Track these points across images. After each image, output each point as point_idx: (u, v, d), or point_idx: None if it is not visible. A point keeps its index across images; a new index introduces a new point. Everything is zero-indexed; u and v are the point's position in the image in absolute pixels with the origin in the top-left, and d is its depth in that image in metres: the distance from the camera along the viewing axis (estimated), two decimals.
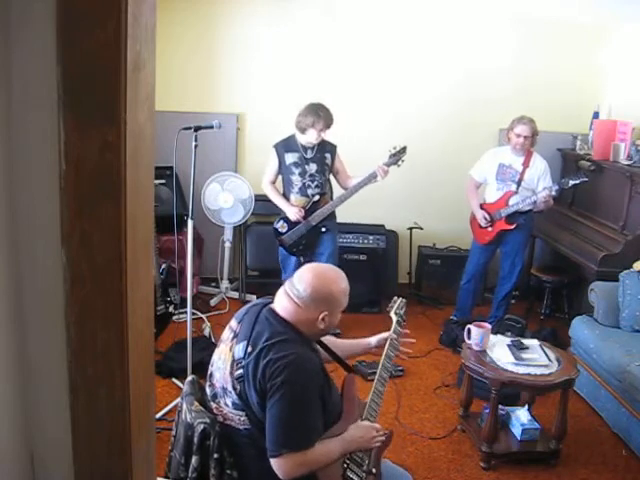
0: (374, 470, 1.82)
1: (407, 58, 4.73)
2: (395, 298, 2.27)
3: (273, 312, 1.78)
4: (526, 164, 3.96)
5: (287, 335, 1.71)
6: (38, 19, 0.81)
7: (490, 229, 4.10)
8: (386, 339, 2.07)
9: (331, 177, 4.03)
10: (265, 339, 1.68)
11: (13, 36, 0.81)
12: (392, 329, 2.10)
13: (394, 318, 2.16)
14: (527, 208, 3.96)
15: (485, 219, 4.06)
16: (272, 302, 1.82)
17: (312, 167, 3.83)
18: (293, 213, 3.82)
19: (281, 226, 3.91)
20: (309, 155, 3.83)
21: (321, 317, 1.74)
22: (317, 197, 3.85)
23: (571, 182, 3.85)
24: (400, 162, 3.83)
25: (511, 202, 3.99)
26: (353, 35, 4.66)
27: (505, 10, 4.64)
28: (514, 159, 3.99)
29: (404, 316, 2.20)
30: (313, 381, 1.67)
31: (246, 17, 4.59)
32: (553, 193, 3.87)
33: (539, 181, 3.96)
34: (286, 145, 3.86)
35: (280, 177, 3.95)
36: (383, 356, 2.01)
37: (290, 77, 4.67)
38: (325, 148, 3.87)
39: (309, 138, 3.76)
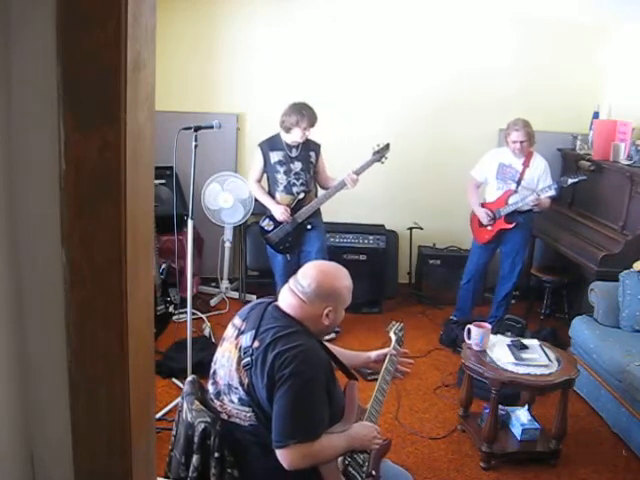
0: (374, 472, 1.83)
1: (406, 58, 4.73)
2: (394, 322, 2.34)
3: (279, 309, 1.80)
4: (526, 164, 3.97)
5: (294, 328, 1.73)
6: (38, 19, 0.81)
7: (490, 228, 4.11)
8: (385, 354, 2.11)
9: None
10: (273, 333, 1.70)
11: (13, 36, 0.81)
12: (392, 346, 2.15)
13: (393, 337, 2.21)
14: (526, 208, 3.97)
15: (488, 215, 4.07)
16: (276, 300, 1.85)
17: (297, 165, 3.85)
18: (280, 213, 3.84)
19: (267, 224, 3.92)
20: (294, 154, 3.85)
21: (325, 312, 1.77)
22: (302, 195, 3.87)
23: (570, 180, 3.87)
24: (384, 159, 3.84)
25: (511, 201, 3.99)
26: (353, 35, 4.66)
27: (505, 10, 4.64)
28: (514, 159, 4.00)
29: (402, 338, 2.26)
30: (320, 373, 1.69)
31: (246, 17, 4.59)
32: (552, 193, 3.88)
33: (539, 181, 3.97)
34: (271, 144, 3.88)
35: (266, 176, 3.97)
36: (382, 370, 2.06)
37: (290, 77, 4.67)
38: (310, 147, 3.90)
39: (294, 137, 3.78)
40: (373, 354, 2.15)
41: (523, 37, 4.76)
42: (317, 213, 3.98)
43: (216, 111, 4.55)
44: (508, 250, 4.16)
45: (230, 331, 1.85)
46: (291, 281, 1.84)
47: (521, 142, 3.89)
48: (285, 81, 4.66)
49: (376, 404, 1.95)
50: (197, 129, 2.91)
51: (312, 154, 3.91)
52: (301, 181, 3.87)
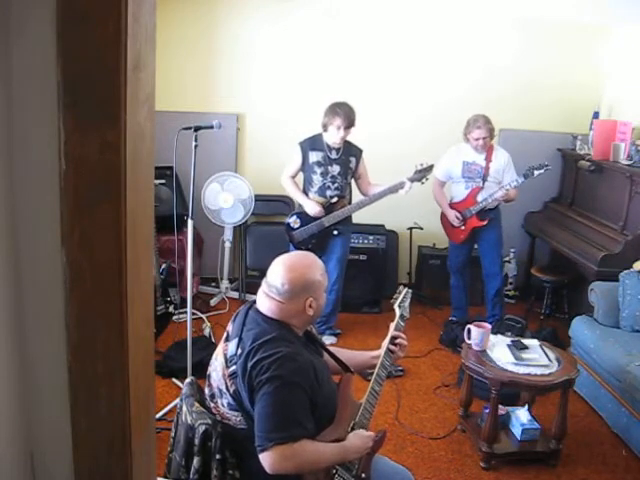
0: (363, 475, 1.78)
1: (407, 60, 4.73)
2: (400, 288, 2.19)
3: (259, 312, 1.79)
4: (489, 158, 3.99)
5: (274, 333, 1.71)
6: (38, 19, 0.81)
7: (463, 228, 4.12)
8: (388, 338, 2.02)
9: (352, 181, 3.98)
10: (252, 340, 1.69)
11: (13, 36, 0.81)
12: (394, 324, 2.05)
13: (397, 311, 2.08)
14: (496, 203, 4.00)
15: (457, 218, 4.08)
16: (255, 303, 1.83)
17: (335, 169, 3.78)
18: (312, 207, 3.76)
19: (294, 221, 3.87)
20: (334, 156, 3.79)
21: (308, 304, 1.76)
22: (335, 199, 3.80)
23: (536, 172, 3.89)
24: (424, 180, 3.82)
25: (479, 198, 4.01)
26: (353, 36, 4.66)
27: (506, 11, 4.64)
28: (477, 155, 4.01)
29: (408, 308, 2.11)
30: (299, 377, 1.66)
31: (246, 17, 4.59)
32: (515, 185, 3.89)
33: (504, 173, 3.99)
34: (312, 143, 3.81)
35: (301, 175, 3.91)
36: (382, 352, 1.97)
37: (290, 77, 4.67)
38: (351, 151, 3.83)
39: (331, 136, 3.72)
40: (375, 352, 2.04)
41: (523, 37, 4.76)
42: (347, 220, 3.89)
43: (216, 111, 4.55)
44: (485, 248, 4.17)
45: (224, 335, 1.86)
46: (263, 285, 1.79)
47: (484, 138, 3.91)
48: (285, 81, 4.66)
49: (372, 397, 1.89)
50: (197, 129, 2.90)
51: (352, 159, 3.83)
52: (336, 185, 3.80)
